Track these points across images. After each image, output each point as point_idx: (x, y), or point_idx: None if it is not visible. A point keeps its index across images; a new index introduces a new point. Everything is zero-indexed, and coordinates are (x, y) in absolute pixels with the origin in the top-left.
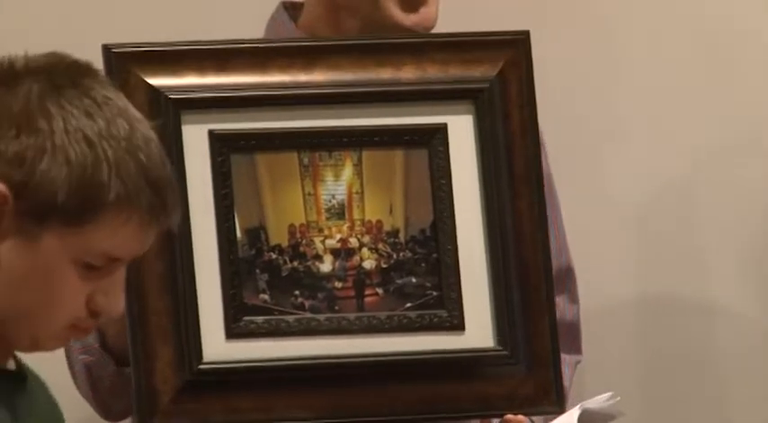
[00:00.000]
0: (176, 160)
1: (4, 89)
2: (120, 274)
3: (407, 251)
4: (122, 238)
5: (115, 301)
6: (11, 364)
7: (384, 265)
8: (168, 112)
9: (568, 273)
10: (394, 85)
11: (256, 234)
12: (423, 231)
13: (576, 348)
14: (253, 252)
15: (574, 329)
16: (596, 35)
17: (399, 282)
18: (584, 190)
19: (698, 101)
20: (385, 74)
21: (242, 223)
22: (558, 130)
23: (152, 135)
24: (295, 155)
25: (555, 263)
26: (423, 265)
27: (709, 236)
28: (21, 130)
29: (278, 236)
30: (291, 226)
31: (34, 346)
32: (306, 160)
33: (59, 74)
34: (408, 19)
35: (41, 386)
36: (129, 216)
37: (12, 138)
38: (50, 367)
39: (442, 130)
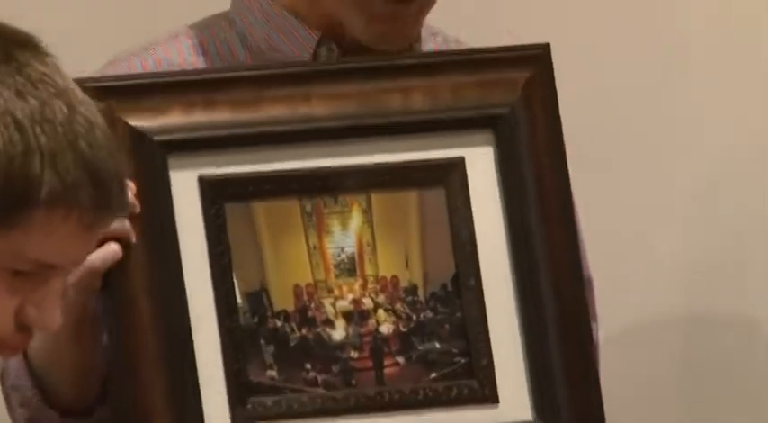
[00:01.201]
0: (164, 213)
1: None
2: (57, 284)
3: (428, 311)
4: (58, 241)
5: (49, 315)
6: None
7: (403, 329)
8: (153, 157)
9: (587, 284)
10: (403, 116)
11: (258, 298)
12: (444, 286)
13: None
14: (256, 320)
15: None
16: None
17: (421, 348)
18: (626, 198)
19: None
20: (392, 103)
21: (242, 286)
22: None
23: (97, 119)
24: (296, 202)
25: None
26: (447, 326)
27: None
28: None
29: (283, 299)
30: (297, 287)
31: None
32: (308, 207)
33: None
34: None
35: None
36: (65, 215)
37: None
38: None
39: (459, 164)
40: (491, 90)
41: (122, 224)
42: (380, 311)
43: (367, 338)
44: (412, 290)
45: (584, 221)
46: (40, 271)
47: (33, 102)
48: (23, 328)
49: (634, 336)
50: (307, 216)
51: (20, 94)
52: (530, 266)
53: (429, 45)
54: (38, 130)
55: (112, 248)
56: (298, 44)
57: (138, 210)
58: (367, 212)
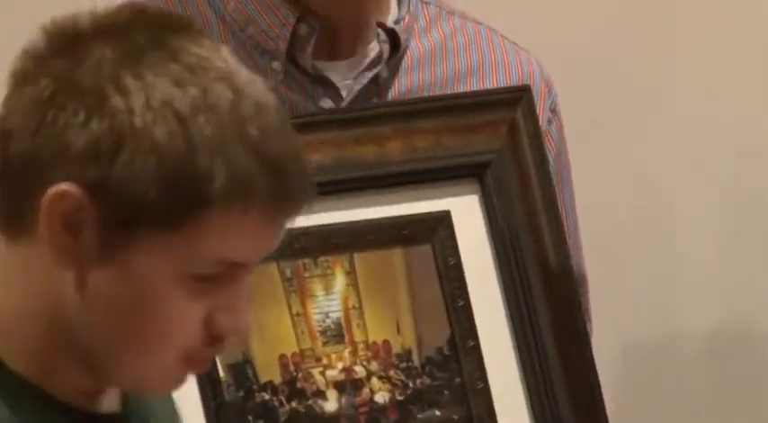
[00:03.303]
0: None
1: (67, 61)
2: (245, 284)
3: (425, 376)
4: (238, 237)
5: (241, 318)
6: (113, 405)
7: (400, 397)
8: None
9: (580, 282)
10: (380, 167)
11: (242, 370)
12: (440, 350)
13: None
14: (241, 393)
15: None
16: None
17: (421, 416)
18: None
19: None
20: (368, 154)
21: (223, 358)
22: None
23: (267, 99)
24: (275, 266)
25: None
26: (446, 392)
27: None
28: (91, 114)
29: (268, 371)
30: (283, 357)
31: (140, 386)
32: (288, 272)
33: (137, 33)
34: None
35: None
36: (244, 209)
37: (80, 125)
38: None
39: (445, 218)
40: (473, 136)
41: None
42: (374, 379)
43: (363, 409)
44: (406, 355)
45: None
46: (224, 272)
47: (193, 90)
48: (214, 339)
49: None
50: (287, 281)
51: (177, 83)
52: (530, 322)
53: (420, 18)
54: (201, 120)
55: None
56: (276, 19)
57: None
58: (351, 274)
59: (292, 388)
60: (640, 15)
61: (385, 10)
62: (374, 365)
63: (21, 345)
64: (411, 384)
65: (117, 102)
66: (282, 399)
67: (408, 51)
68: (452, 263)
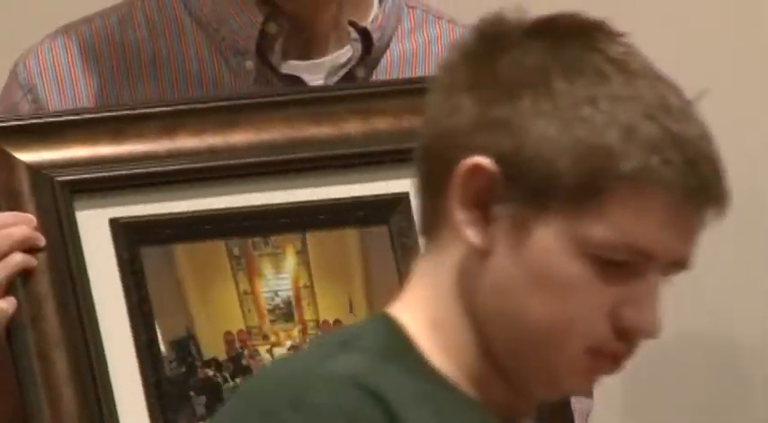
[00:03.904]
0: (73, 260)
1: (494, 52)
2: (653, 282)
3: None
4: (644, 222)
5: (649, 316)
6: None
7: None
8: (57, 199)
9: None
10: (336, 146)
11: (185, 346)
12: None
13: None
14: (183, 369)
15: None
16: None
17: None
18: None
19: None
20: (323, 134)
21: (165, 334)
22: None
23: (689, 110)
24: (222, 244)
25: None
26: None
27: None
28: (507, 92)
29: (213, 347)
30: (228, 334)
31: (553, 386)
32: (236, 250)
33: (560, 27)
34: None
35: None
36: (651, 193)
37: (495, 100)
38: None
39: (403, 200)
40: None
41: (18, 258)
42: None
43: None
44: None
45: None
46: (632, 261)
47: (615, 83)
48: (621, 332)
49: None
50: (235, 259)
51: (600, 74)
52: None
53: (404, 20)
54: (617, 107)
55: (15, 259)
56: (247, 19)
57: (42, 243)
58: (302, 253)
59: (237, 365)
60: (638, 16)
61: (363, 10)
62: None
63: (450, 343)
64: None
65: (536, 81)
66: (227, 375)
67: (388, 52)
68: (409, 244)
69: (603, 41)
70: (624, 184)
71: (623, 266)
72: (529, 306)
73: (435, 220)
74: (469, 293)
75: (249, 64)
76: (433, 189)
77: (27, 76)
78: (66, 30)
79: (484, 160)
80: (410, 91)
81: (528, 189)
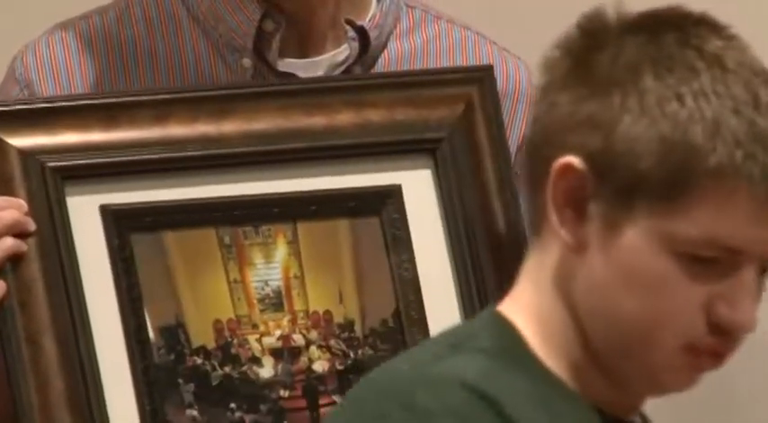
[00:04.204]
0: (63, 246)
1: (591, 48)
2: (746, 278)
3: (367, 348)
4: (731, 218)
5: (743, 312)
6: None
7: (340, 367)
8: (48, 185)
9: None
10: (329, 137)
11: (174, 334)
12: (384, 322)
13: None
14: (172, 357)
15: None
16: None
17: None
18: None
19: None
20: (316, 125)
21: (154, 321)
22: None
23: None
24: (213, 232)
25: None
26: None
27: None
28: (596, 89)
29: (202, 335)
30: (218, 322)
31: (653, 384)
32: (227, 239)
33: (660, 22)
34: None
35: None
36: (735, 190)
37: (585, 97)
38: None
39: (395, 192)
40: (428, 112)
41: (8, 243)
42: (313, 348)
43: (299, 377)
44: (348, 326)
45: None
46: (723, 258)
47: (704, 78)
48: (715, 328)
49: None
50: (225, 248)
51: (691, 69)
52: (478, 297)
53: (403, 20)
54: (702, 102)
55: (6, 243)
56: (244, 16)
57: (32, 228)
58: (293, 243)
59: (226, 353)
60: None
61: (361, 8)
62: (313, 334)
63: (556, 341)
64: (352, 355)
65: (625, 78)
66: (215, 363)
67: (386, 52)
68: (400, 236)
69: (701, 36)
70: (709, 180)
71: (714, 263)
72: (622, 304)
73: (538, 218)
74: (568, 292)
75: (246, 61)
76: (536, 187)
77: (24, 71)
78: (63, 26)
79: (574, 159)
80: (403, 84)
81: (616, 187)
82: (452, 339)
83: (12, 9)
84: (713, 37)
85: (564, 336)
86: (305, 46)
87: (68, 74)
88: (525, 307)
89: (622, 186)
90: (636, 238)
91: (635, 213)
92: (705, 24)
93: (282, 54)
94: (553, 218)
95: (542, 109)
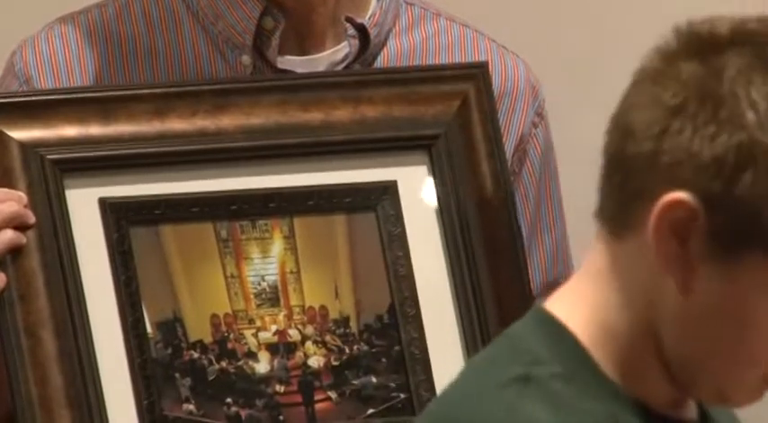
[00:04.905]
0: (62, 238)
1: (702, 67)
2: None
3: (362, 343)
4: None
5: None
6: (692, 413)
7: (335, 363)
8: (48, 177)
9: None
10: (326, 133)
11: (171, 328)
12: (379, 318)
13: None
14: (169, 351)
15: None
16: None
17: (356, 382)
18: None
19: None
20: (313, 120)
21: (152, 315)
22: None
23: None
24: (210, 226)
25: (542, 277)
26: (384, 360)
27: None
28: (722, 127)
29: (199, 329)
30: (214, 317)
31: (722, 401)
32: (224, 233)
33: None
34: None
35: None
36: None
37: (709, 137)
38: None
39: (391, 188)
40: (424, 108)
41: (8, 235)
42: (308, 344)
43: (295, 372)
44: (343, 321)
45: None
46: None
47: None
48: None
49: None
50: (222, 242)
51: None
52: (473, 295)
53: (402, 17)
54: None
55: (6, 235)
56: (243, 13)
57: (32, 220)
58: (290, 238)
59: (223, 348)
60: (635, 16)
61: (361, 6)
62: (309, 330)
63: (614, 348)
64: (347, 350)
65: (750, 117)
66: (212, 358)
67: (386, 49)
68: (396, 232)
69: None
70: None
71: None
72: (715, 337)
73: (623, 225)
74: (654, 312)
75: (246, 59)
76: (627, 198)
77: (23, 66)
78: (62, 21)
79: (688, 196)
80: (400, 80)
81: (730, 229)
82: (517, 367)
83: (12, 8)
84: None
85: (630, 345)
86: (304, 43)
87: (67, 69)
88: (585, 309)
89: (737, 231)
90: (742, 279)
91: (745, 257)
92: None
93: (282, 51)
94: (658, 248)
95: (651, 131)
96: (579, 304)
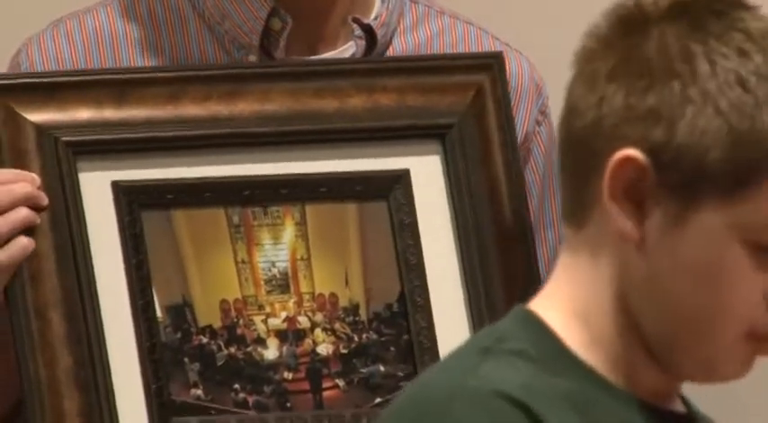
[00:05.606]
0: (74, 220)
1: (633, 39)
2: None
3: (371, 332)
4: None
5: None
6: (679, 406)
7: (344, 351)
8: (61, 159)
9: None
10: (340, 120)
11: (181, 312)
12: (389, 306)
13: None
14: (178, 335)
15: None
16: None
17: (364, 371)
18: None
19: None
20: (327, 106)
21: (162, 299)
22: None
23: None
24: (222, 212)
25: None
26: (392, 349)
27: None
28: (654, 80)
29: (208, 315)
30: (224, 302)
31: (709, 373)
32: (236, 219)
33: (698, 7)
34: None
35: None
36: None
37: (643, 89)
38: None
39: (403, 177)
40: (438, 98)
41: (23, 213)
42: (318, 331)
43: (304, 359)
44: (353, 309)
45: None
46: None
47: (758, 58)
48: None
49: None
50: (234, 227)
51: (741, 52)
52: (483, 285)
53: (407, 16)
54: (765, 86)
55: (21, 213)
56: (249, 13)
57: (45, 202)
58: (301, 225)
59: (232, 333)
60: None
61: (366, 6)
62: (319, 317)
63: (595, 334)
64: (356, 338)
65: (681, 67)
66: (221, 343)
67: (391, 48)
68: (407, 221)
69: (742, 18)
70: None
71: None
72: (686, 296)
73: (582, 211)
74: (623, 285)
75: (252, 58)
76: (580, 180)
77: (29, 65)
78: (68, 18)
79: (635, 152)
80: (414, 69)
81: (681, 180)
82: (482, 343)
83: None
84: (751, 18)
85: (610, 329)
86: (311, 43)
87: (73, 68)
88: (563, 302)
89: (687, 179)
90: (702, 229)
91: (700, 205)
92: (740, 6)
93: (288, 52)
94: (612, 211)
95: (588, 102)
96: (555, 299)
